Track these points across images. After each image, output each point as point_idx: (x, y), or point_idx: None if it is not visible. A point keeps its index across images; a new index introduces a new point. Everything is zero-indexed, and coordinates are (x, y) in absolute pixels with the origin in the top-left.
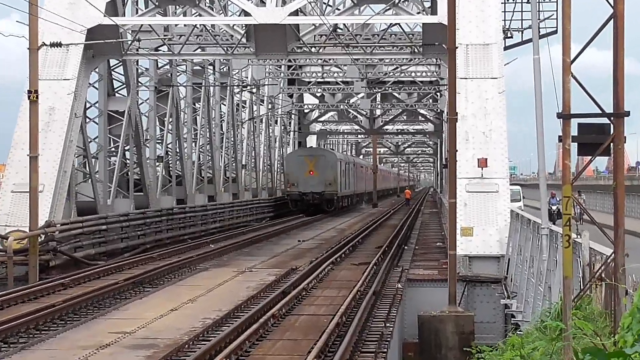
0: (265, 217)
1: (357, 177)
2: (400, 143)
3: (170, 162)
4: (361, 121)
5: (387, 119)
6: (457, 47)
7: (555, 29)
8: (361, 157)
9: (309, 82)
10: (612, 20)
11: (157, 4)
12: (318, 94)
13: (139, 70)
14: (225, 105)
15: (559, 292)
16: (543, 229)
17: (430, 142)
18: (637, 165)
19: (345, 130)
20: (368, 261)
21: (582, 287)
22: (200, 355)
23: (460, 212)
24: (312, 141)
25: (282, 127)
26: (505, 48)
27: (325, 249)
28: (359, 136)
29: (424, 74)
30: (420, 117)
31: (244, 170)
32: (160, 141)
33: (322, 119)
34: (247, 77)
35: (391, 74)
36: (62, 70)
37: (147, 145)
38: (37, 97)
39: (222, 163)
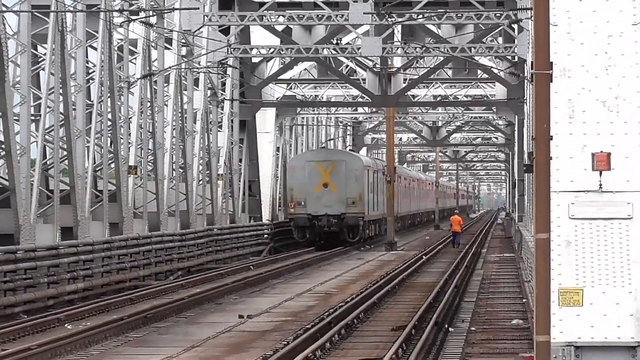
0: (175, 270)
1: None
2: (440, 123)
3: None
4: (364, 81)
5: (415, 77)
6: None
7: None
8: (364, 149)
9: (262, 5)
10: None
11: None
12: (279, 28)
13: None
14: (96, 50)
15: None
16: None
17: (500, 123)
18: None
19: (334, 99)
20: (377, 357)
21: None
22: None
23: (558, 259)
24: (268, 118)
25: (209, 92)
26: None
27: (293, 331)
28: (360, 110)
29: None
30: (479, 72)
31: (132, 177)
32: None
33: (286, 75)
34: None
35: None
36: None
37: None
38: None
39: (89, 163)
